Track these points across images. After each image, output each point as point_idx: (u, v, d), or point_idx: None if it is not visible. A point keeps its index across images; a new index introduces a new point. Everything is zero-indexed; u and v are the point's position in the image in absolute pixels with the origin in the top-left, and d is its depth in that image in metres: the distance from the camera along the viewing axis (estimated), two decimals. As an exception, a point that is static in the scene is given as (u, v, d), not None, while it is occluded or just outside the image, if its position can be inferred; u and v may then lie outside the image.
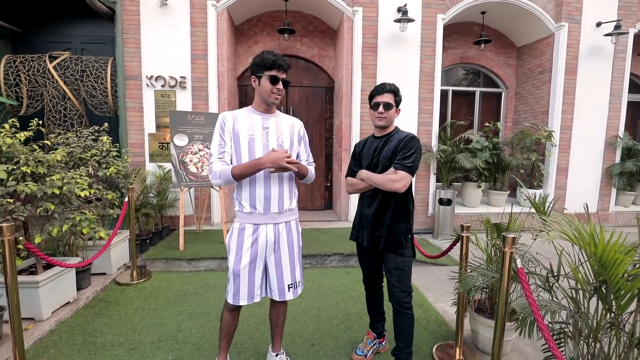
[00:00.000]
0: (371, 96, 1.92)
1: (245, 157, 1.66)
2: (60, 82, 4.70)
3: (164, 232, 4.55)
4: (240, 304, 1.71)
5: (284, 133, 1.74)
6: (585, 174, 5.59)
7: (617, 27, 5.06)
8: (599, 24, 5.29)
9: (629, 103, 5.89)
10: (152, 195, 4.49)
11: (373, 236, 1.90)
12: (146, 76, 4.61)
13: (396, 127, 1.95)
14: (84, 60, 4.77)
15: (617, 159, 5.64)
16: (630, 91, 5.77)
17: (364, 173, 1.88)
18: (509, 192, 5.61)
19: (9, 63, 4.70)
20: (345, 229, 4.72)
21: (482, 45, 5.72)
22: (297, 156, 1.83)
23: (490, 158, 5.17)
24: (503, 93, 6.44)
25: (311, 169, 1.85)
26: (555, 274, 1.75)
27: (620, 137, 5.55)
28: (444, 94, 5.93)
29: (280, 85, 1.65)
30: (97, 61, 4.78)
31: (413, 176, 1.78)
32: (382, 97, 1.85)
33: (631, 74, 5.98)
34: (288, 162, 1.57)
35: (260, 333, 2.45)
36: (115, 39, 4.65)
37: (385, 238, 1.85)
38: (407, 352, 1.88)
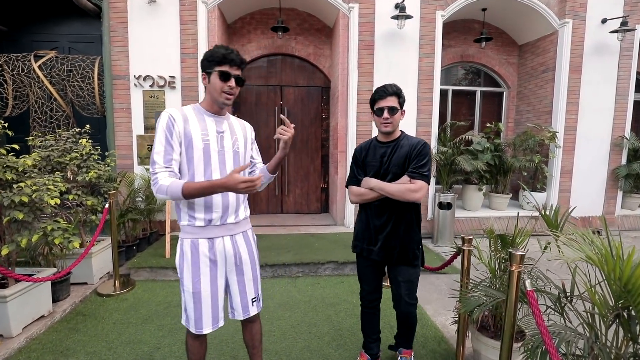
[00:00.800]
0: (373, 101, 1.79)
1: (199, 166, 1.43)
2: (46, 82, 4.53)
3: (152, 237, 4.37)
4: (204, 332, 1.50)
5: (238, 138, 1.56)
6: (591, 176, 5.40)
7: (623, 23, 4.87)
8: (604, 21, 5.10)
9: (635, 102, 5.70)
10: (141, 199, 4.31)
11: (385, 248, 1.80)
12: (134, 76, 4.43)
13: (402, 132, 1.85)
14: (70, 60, 4.59)
15: (624, 161, 5.45)
16: (636, 90, 5.59)
17: (373, 182, 1.76)
18: (511, 195, 5.43)
19: (-7, 62, 4.53)
20: (340, 234, 4.54)
21: (483, 43, 5.54)
22: (251, 160, 1.68)
23: (491, 160, 4.98)
24: (504, 92, 6.25)
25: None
26: (569, 294, 1.57)
27: (626, 138, 5.35)
28: (443, 93, 5.75)
29: (232, 83, 1.41)
30: (83, 60, 4.60)
31: (429, 185, 1.71)
32: (386, 101, 1.73)
33: (637, 72, 5.78)
34: (247, 183, 1.30)
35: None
36: (102, 38, 4.48)
37: (399, 250, 1.78)
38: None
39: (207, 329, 1.49)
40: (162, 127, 1.40)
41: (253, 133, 1.70)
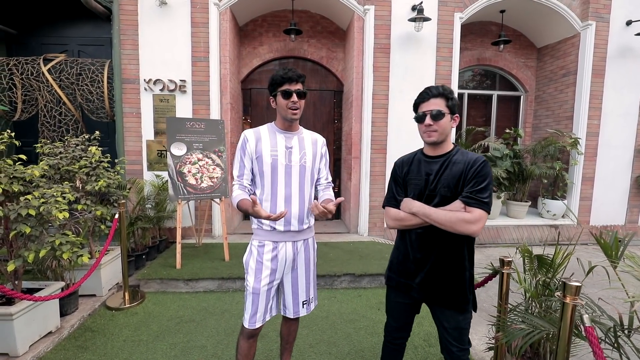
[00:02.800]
0: (415, 105, 1.53)
1: (267, 179, 1.63)
2: (55, 86, 4.46)
3: (162, 245, 4.26)
4: (257, 326, 1.66)
5: (307, 153, 1.70)
6: (613, 184, 5.20)
7: (650, 25, 4.68)
8: (629, 23, 4.91)
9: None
10: (150, 206, 4.21)
11: (427, 287, 1.51)
12: (144, 79, 4.34)
13: (456, 146, 1.54)
14: (79, 63, 4.52)
15: (648, 168, 5.24)
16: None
17: (417, 206, 1.46)
18: (529, 203, 5.24)
19: (2, 66, 4.47)
20: (355, 244, 4.39)
21: (502, 46, 5.36)
22: (318, 173, 1.79)
23: (511, 167, 4.81)
24: (522, 97, 6.06)
25: (330, 194, 1.80)
26: (627, 326, 1.41)
27: (651, 144, 5.14)
28: (459, 97, 5.58)
29: (294, 98, 1.57)
30: (93, 64, 4.52)
31: (489, 214, 1.39)
32: (428, 104, 1.45)
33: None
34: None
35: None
36: (112, 41, 4.39)
37: (445, 291, 1.48)
38: None
39: (259, 323, 1.65)
40: (239, 146, 1.66)
41: (324, 147, 1.80)
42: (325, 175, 1.81)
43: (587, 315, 1.25)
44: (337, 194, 5.80)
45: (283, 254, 1.66)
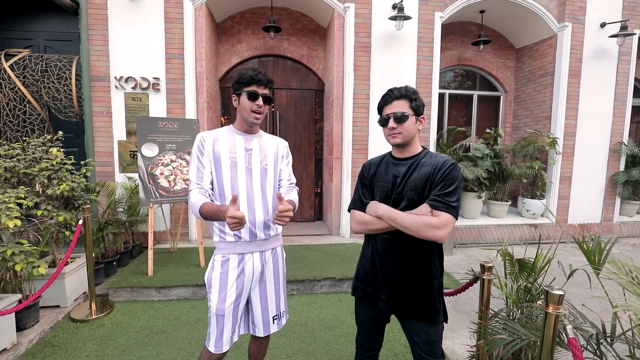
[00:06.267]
0: (379, 108, 1.46)
1: (227, 182, 1.51)
2: (18, 83, 4.19)
3: (135, 250, 4.06)
4: (224, 350, 1.51)
5: (267, 155, 1.60)
6: (590, 183, 5.30)
7: (623, 27, 4.79)
8: (603, 25, 5.01)
9: (634, 108, 5.64)
10: (122, 210, 4.01)
11: (396, 298, 1.41)
12: (115, 77, 4.13)
13: (425, 148, 1.47)
14: (45, 59, 4.26)
15: (622, 167, 5.38)
16: (634, 95, 5.53)
17: (382, 209, 1.37)
18: (510, 202, 5.29)
19: (-41, 61, 4.16)
20: (336, 246, 4.31)
21: (482, 46, 5.39)
22: (279, 176, 1.66)
23: (491, 167, 4.83)
24: (501, 97, 6.13)
25: (294, 196, 1.64)
26: (609, 334, 1.37)
27: (624, 144, 5.28)
28: (440, 97, 5.57)
29: (260, 102, 1.49)
30: (60, 60, 4.28)
31: (457, 219, 1.30)
32: (392, 106, 1.39)
33: (636, 78, 5.72)
34: (234, 220, 1.25)
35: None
36: (80, 36, 4.16)
37: (414, 301, 1.39)
38: None
39: (226, 347, 1.51)
40: (195, 148, 1.53)
41: (286, 149, 1.70)
42: (287, 176, 1.69)
43: (570, 326, 1.20)
44: (320, 193, 5.71)
45: (250, 267, 1.53)
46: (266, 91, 1.50)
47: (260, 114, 1.51)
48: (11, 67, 4.20)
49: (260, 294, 1.60)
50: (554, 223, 5.16)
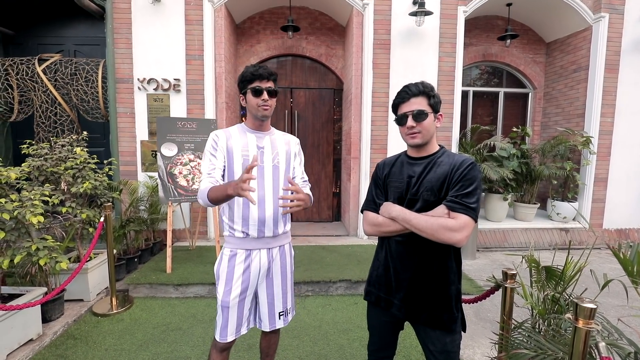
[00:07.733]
0: (394, 107, 1.39)
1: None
2: (50, 86, 4.40)
3: (155, 247, 4.17)
4: (228, 340, 1.54)
5: (279, 153, 1.60)
6: (628, 185, 4.94)
7: (667, 17, 4.43)
8: (644, 15, 4.65)
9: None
10: (144, 208, 4.12)
11: (410, 304, 1.34)
12: (138, 79, 4.25)
13: (442, 147, 1.39)
14: (74, 63, 4.45)
15: (665, 168, 4.97)
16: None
17: (396, 210, 1.30)
18: (538, 205, 5.01)
19: (-3, 66, 4.42)
20: (353, 247, 4.24)
21: (508, 41, 5.15)
22: (293, 173, 1.67)
23: (518, 167, 4.59)
24: (530, 94, 5.83)
25: (308, 192, 1.64)
26: (646, 353, 1.24)
27: (668, 143, 4.87)
28: (463, 95, 5.38)
29: (265, 96, 1.49)
30: (87, 63, 4.45)
31: (476, 222, 1.21)
32: (409, 104, 1.31)
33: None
34: (237, 182, 1.24)
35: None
36: (106, 40, 4.31)
37: (429, 308, 1.31)
38: None
39: (230, 337, 1.53)
40: (208, 145, 1.54)
41: (297, 147, 1.70)
42: (300, 174, 1.69)
43: (603, 344, 1.08)
44: (338, 193, 5.65)
45: (257, 263, 1.55)
46: (269, 84, 1.50)
47: (267, 106, 1.51)
48: (43, 71, 4.42)
49: (267, 290, 1.61)
50: (586, 228, 4.84)
